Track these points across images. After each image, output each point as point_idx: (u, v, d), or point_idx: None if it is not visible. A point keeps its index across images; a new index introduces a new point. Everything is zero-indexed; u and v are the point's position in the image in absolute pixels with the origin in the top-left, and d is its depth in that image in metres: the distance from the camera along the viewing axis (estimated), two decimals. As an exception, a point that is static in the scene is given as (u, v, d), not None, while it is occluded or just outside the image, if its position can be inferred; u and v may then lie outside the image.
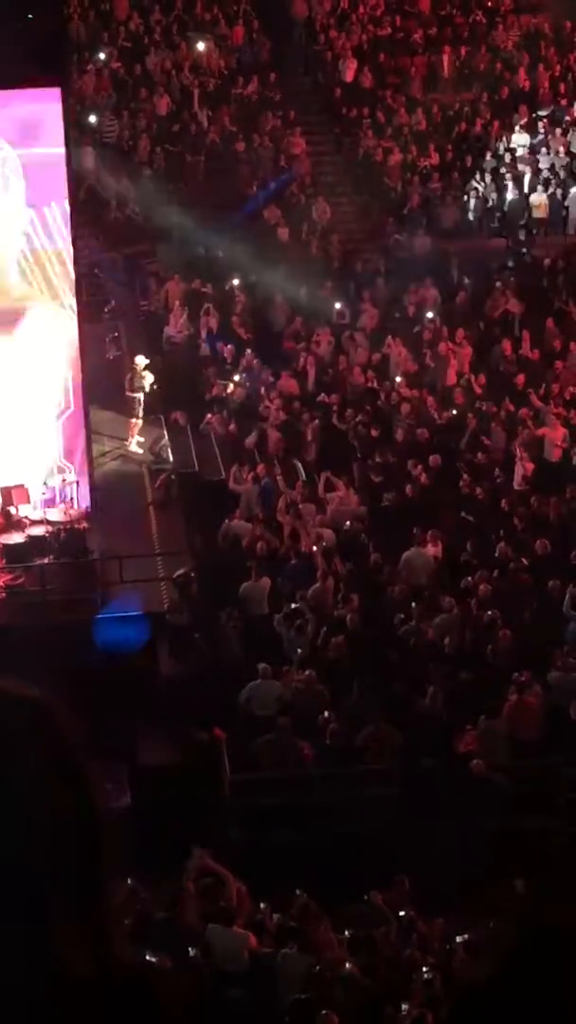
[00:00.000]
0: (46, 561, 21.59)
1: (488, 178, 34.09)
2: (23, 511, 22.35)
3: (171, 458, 25.50)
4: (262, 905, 14.24)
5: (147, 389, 25.75)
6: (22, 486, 22.46)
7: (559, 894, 13.92)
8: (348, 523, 22.56)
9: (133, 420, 25.80)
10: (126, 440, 25.76)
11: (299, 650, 19.57)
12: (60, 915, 1.64)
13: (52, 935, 1.62)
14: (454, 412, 26.26)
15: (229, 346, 28.47)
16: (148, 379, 25.75)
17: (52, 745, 1.71)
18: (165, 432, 26.12)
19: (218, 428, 26.18)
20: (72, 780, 1.70)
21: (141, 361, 25.94)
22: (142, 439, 25.83)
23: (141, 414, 25.77)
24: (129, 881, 12.51)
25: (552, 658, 19.42)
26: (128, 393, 25.77)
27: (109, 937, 1.71)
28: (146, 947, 11.14)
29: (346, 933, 13.85)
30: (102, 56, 34.72)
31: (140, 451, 25.73)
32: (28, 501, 22.48)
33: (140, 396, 25.69)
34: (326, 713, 18.33)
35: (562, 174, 34.15)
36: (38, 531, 21.98)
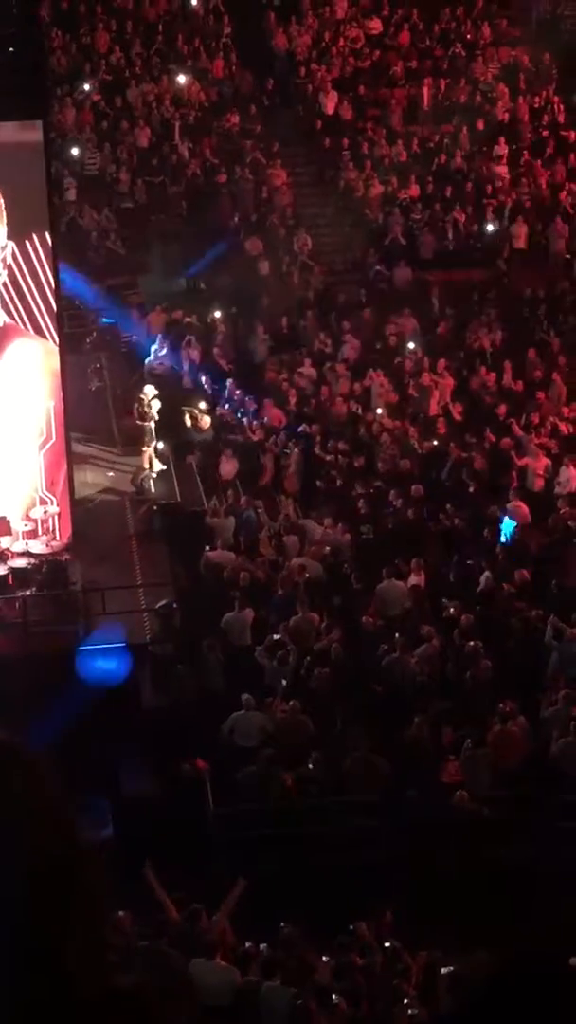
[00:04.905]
0: (28, 593, 21.57)
1: (469, 209, 34.22)
2: (4, 543, 22.33)
3: (153, 489, 25.53)
4: (247, 944, 14.17)
5: (156, 418, 25.83)
6: (3, 518, 22.46)
7: (542, 926, 13.89)
8: (328, 551, 22.57)
9: (144, 449, 25.80)
10: (141, 468, 25.77)
11: (283, 681, 19.54)
12: (55, 949, 1.66)
13: (50, 968, 1.65)
14: (435, 443, 26.30)
15: (210, 377, 28.55)
16: (156, 408, 25.85)
17: (24, 787, 1.71)
18: (146, 463, 26.12)
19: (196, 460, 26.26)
20: (47, 819, 1.71)
21: (149, 391, 26.05)
22: (160, 467, 25.86)
23: (153, 444, 25.82)
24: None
25: (539, 691, 19.47)
26: (138, 422, 25.82)
27: (101, 966, 1.74)
28: (130, 975, 11.05)
29: (331, 964, 13.80)
30: (84, 88, 34.83)
31: (160, 467, 25.80)
32: (10, 533, 22.47)
33: (151, 425, 25.75)
34: (309, 745, 18.31)
35: (542, 205, 34.33)
36: (20, 563, 21.96)
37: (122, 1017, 1.72)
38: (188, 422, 26.90)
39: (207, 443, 26.63)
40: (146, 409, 25.82)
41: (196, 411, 27.06)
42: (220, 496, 24.50)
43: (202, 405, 27.28)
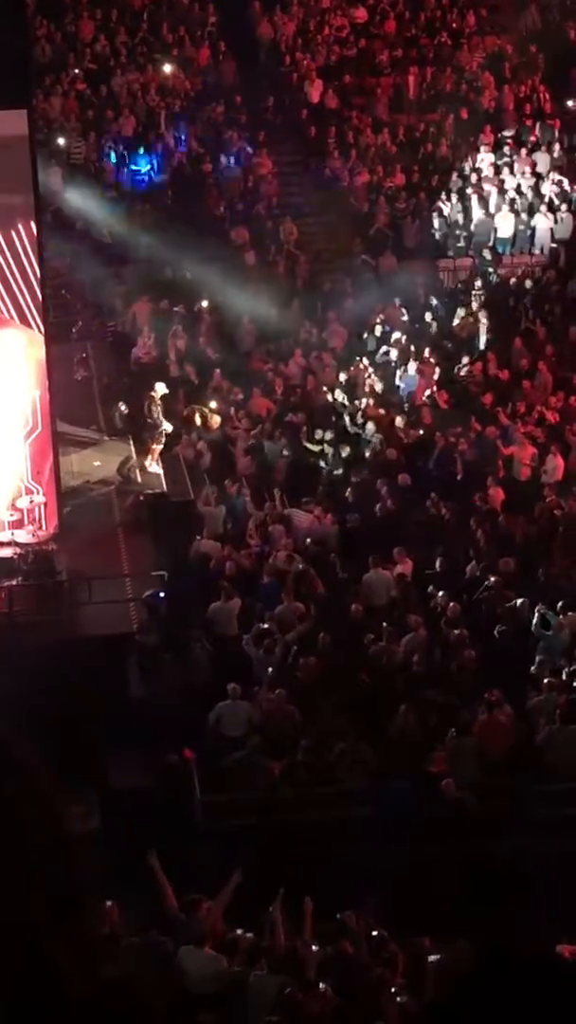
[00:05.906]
0: (13, 583, 21.53)
1: (454, 198, 34.22)
2: (-10, 533, 22.29)
3: (140, 479, 25.50)
4: (238, 931, 14.18)
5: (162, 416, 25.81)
6: (-11, 508, 22.42)
7: (528, 914, 13.92)
8: (309, 541, 22.57)
9: (154, 446, 25.73)
10: (129, 458, 25.71)
11: (270, 669, 19.54)
12: (46, 944, 1.66)
13: (43, 959, 1.65)
14: (421, 432, 26.30)
15: (196, 367, 28.52)
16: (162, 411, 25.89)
17: (15, 781, 1.71)
18: (133, 453, 26.08)
19: (187, 452, 26.16)
20: (39, 814, 1.71)
21: (160, 388, 25.96)
22: (159, 469, 25.80)
23: (163, 439, 25.76)
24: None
25: (525, 680, 19.50)
26: (148, 420, 25.75)
27: (92, 959, 1.74)
28: (118, 967, 11.05)
29: (318, 953, 13.81)
30: (73, 74, 34.74)
31: (159, 469, 25.72)
32: (-4, 523, 22.43)
33: (164, 425, 25.68)
34: (295, 734, 18.32)
35: (528, 194, 34.31)
36: (5, 553, 21.91)
37: (112, 1010, 1.72)
38: (198, 420, 26.81)
39: (216, 441, 26.54)
40: (155, 406, 25.76)
41: (206, 410, 27.01)
42: (214, 484, 24.43)
43: (212, 404, 27.22)
